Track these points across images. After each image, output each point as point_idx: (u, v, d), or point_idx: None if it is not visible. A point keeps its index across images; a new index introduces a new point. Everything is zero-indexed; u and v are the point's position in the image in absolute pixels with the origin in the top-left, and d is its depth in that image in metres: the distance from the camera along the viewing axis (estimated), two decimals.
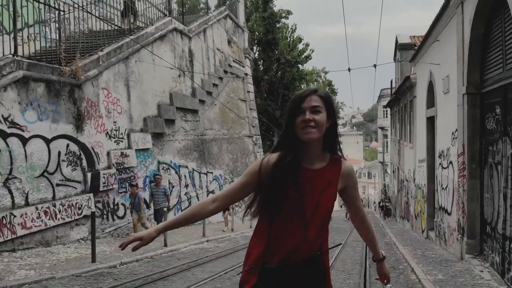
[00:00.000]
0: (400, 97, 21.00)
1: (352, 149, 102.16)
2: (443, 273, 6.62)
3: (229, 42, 22.59)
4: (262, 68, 33.55)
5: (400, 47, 21.88)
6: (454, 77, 8.25)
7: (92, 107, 10.40)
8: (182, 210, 14.73)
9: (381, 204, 30.03)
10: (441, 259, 8.09)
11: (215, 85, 19.35)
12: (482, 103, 7.14)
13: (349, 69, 10.96)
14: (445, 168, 9.30)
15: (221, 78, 20.32)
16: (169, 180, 13.79)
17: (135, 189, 10.32)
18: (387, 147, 40.19)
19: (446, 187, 9.14)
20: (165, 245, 9.66)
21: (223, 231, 14.29)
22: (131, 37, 12.28)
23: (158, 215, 10.72)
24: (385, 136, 43.13)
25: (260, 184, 1.80)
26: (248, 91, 25.00)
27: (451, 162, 8.66)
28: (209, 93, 18.55)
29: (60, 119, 9.31)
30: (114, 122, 11.21)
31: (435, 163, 10.75)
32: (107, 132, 10.89)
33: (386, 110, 36.64)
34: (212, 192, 17.46)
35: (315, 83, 54.11)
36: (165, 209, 10.60)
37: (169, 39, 15.16)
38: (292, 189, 1.73)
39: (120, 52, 11.90)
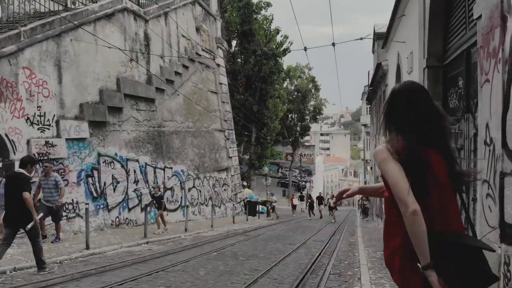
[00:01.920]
0: (376, 89, 19.93)
1: (339, 148, 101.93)
2: (393, 283, 5.41)
3: (197, 29, 21.23)
4: (240, 61, 32.29)
5: (377, 37, 20.74)
6: (416, 52, 7.07)
7: (7, 88, 8.96)
8: (129, 209, 13.36)
9: (360, 203, 29.06)
10: None
11: (178, 73, 17.98)
12: (445, 78, 5.95)
13: (305, 48, 9.73)
14: None
15: (186, 67, 18.97)
16: (112, 175, 12.40)
17: None
18: (369, 144, 39.28)
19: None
20: (87, 247, 8.31)
21: (154, 233, 11.73)
22: (64, 14, 10.84)
23: (53, 214, 8.76)
24: (368, 133, 42.28)
25: None
26: (221, 83, 23.67)
27: None
28: (171, 82, 17.18)
29: None
30: (39, 106, 9.78)
31: None
32: (28, 118, 9.45)
33: (369, 107, 35.71)
34: (171, 189, 16.12)
35: (299, 79, 53.09)
36: (57, 204, 8.60)
37: (118, 19, 13.76)
38: None
39: (50, 29, 10.47)
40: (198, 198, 18.40)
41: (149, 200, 14.50)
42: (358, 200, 33.42)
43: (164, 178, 15.72)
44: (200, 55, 20.81)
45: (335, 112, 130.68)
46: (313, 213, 24.08)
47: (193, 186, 18.05)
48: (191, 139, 18.40)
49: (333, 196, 25.00)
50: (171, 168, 16.31)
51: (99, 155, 11.82)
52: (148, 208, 12.32)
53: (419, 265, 1.70)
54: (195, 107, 19.05)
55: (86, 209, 8.67)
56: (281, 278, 5.86)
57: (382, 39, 20.66)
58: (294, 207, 28.32)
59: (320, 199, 25.04)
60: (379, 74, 15.75)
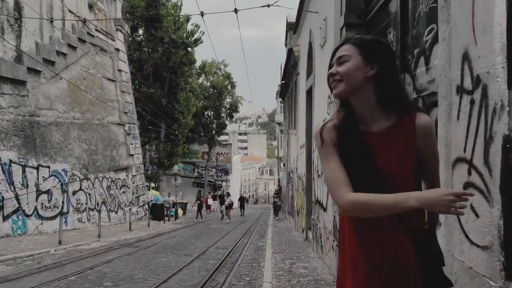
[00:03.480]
0: (288, 82, 19.01)
1: (256, 147, 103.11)
2: None
3: (90, 6, 18.33)
4: (147, 50, 29.47)
5: (290, 27, 19.87)
6: (332, 16, 5.76)
7: None
8: None
9: (272, 200, 28.30)
10: (310, 279, 5.52)
11: (61, 53, 15.08)
12: None
13: (202, 14, 7.99)
14: None
15: (73, 47, 16.08)
16: None
17: None
18: (282, 141, 39.13)
19: (322, 173, 6.69)
20: None
21: None
22: None
23: None
24: (282, 131, 42.22)
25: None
26: (120, 70, 20.91)
27: None
28: (50, 63, 14.27)
29: None
30: None
31: (312, 145, 8.36)
32: None
33: (282, 105, 35.33)
34: (47, 192, 13.23)
35: (215, 75, 51.61)
36: None
37: None
38: (356, 156, 1.40)
39: None
40: (87, 203, 15.63)
41: (15, 206, 11.62)
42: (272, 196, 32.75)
43: (38, 179, 12.81)
44: (93, 36, 17.98)
45: (252, 112, 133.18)
46: (201, 215, 22.13)
47: (80, 189, 15.25)
48: (77, 133, 15.57)
49: (228, 193, 23.57)
50: (49, 167, 13.43)
51: None
52: None
53: None
54: (84, 95, 16.22)
55: None
56: None
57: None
58: (208, 207, 26.53)
59: (221, 197, 23.21)
60: (290, 63, 14.68)
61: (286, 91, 21.51)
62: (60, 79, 14.67)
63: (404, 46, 3.31)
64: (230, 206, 21.31)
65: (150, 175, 33.37)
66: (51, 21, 13.80)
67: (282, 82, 21.08)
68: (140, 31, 30.16)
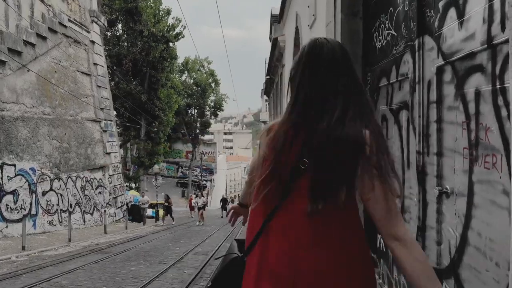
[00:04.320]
0: (273, 78, 18.29)
1: (242, 147, 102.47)
2: None
3: None
4: (126, 45, 28.33)
5: (274, 20, 19.13)
6: None
7: None
8: None
9: None
10: None
11: (29, 43, 14.02)
12: (367, 6, 3.92)
13: None
14: None
15: (43, 37, 15.00)
16: None
17: None
18: None
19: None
20: None
21: None
22: None
23: None
24: None
25: None
26: (96, 64, 19.82)
27: None
28: (17, 53, 13.19)
29: None
30: None
31: None
32: None
33: (267, 104, 34.59)
34: (13, 192, 12.18)
35: (198, 72, 50.68)
36: None
37: None
38: None
39: None
40: (58, 204, 14.57)
41: None
42: None
43: (2, 178, 11.75)
44: (66, 27, 16.90)
45: (238, 112, 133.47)
46: (172, 217, 20.69)
47: (51, 189, 14.19)
48: (48, 129, 14.50)
49: (201, 194, 22.61)
50: (14, 165, 12.37)
51: None
52: None
53: None
54: (55, 88, 15.15)
55: None
56: None
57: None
58: (192, 208, 25.57)
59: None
60: (275, 55, 13.94)
61: (271, 87, 20.78)
62: (28, 71, 13.59)
63: (422, 3, 2.57)
64: (202, 207, 20.16)
65: (131, 175, 32.23)
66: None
67: (267, 77, 20.34)
68: (119, 26, 29.03)
